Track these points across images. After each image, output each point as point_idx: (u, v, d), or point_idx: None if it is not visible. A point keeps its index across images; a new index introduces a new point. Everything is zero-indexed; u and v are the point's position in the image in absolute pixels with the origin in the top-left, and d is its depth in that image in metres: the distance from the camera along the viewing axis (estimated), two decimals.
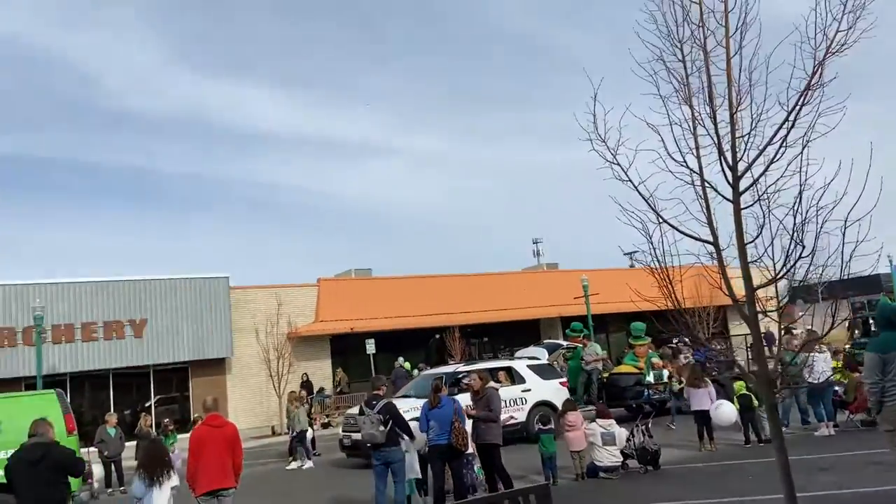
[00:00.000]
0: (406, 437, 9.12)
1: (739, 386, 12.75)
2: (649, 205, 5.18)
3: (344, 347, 27.83)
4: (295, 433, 15.87)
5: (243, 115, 76.04)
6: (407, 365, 23.65)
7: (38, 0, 66.41)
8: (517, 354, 18.68)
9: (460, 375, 14.62)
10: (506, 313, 30.62)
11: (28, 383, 20.83)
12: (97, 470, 14.95)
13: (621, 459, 10.77)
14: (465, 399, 10.94)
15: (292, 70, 79.72)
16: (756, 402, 12.27)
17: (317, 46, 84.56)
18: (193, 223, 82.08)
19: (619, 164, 5.34)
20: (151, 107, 69.47)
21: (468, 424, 9.37)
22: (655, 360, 17.57)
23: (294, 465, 15.50)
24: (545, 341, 20.33)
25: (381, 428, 8.83)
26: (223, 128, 78.69)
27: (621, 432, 10.88)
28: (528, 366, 15.92)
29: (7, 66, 63.26)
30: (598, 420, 10.88)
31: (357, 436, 14.05)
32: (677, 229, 5.22)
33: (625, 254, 36.25)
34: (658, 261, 5.12)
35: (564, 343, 19.08)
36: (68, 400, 13.58)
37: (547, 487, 4.64)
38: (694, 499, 8.71)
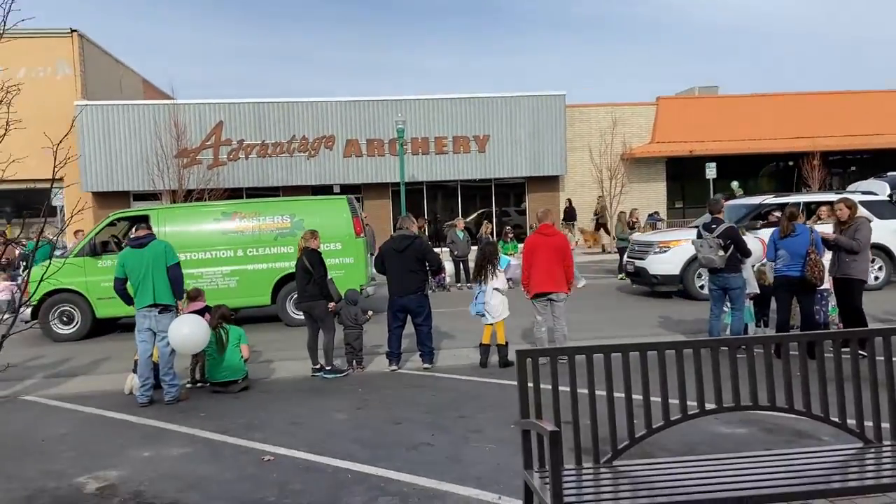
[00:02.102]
0: (746, 261, 8.50)
1: None
2: None
3: (681, 171, 26.57)
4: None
5: None
6: (740, 191, 21.77)
7: None
8: (850, 188, 15.74)
9: (767, 209, 13.06)
10: (882, 139, 25.89)
11: (393, 189, 24.03)
12: (449, 267, 17.01)
13: None
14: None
15: None
16: None
17: None
18: (532, 39, 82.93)
19: None
20: None
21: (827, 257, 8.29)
22: None
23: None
24: (889, 174, 16.61)
25: (721, 252, 8.29)
26: None
27: None
28: (861, 202, 13.33)
29: None
30: None
31: (641, 263, 13.69)
32: None
33: None
34: None
35: None
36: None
37: None
38: None
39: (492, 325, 8.31)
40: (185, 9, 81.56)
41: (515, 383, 3.74)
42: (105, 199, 23.06)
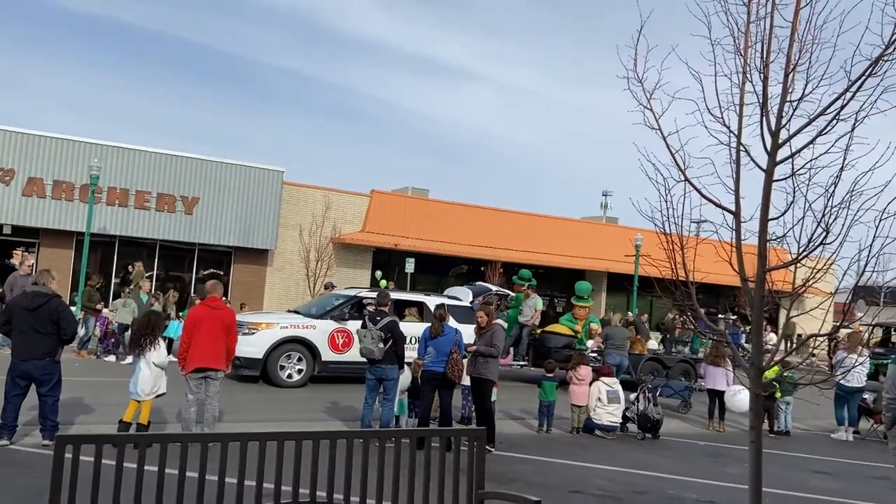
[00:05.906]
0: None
1: (773, 372, 12.22)
2: (675, 159, 4.71)
3: (386, 261, 28.00)
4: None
5: (343, 19, 75.20)
6: (383, 283, 23.49)
7: None
8: (446, 292, 17.85)
9: (365, 300, 13.36)
10: (552, 258, 30.14)
11: (78, 239, 21.64)
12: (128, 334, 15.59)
13: (621, 421, 10.58)
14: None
15: None
16: (779, 394, 11.80)
17: None
18: (264, 112, 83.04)
19: (651, 110, 4.85)
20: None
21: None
22: (594, 325, 16.57)
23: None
24: (476, 283, 19.40)
25: (381, 345, 8.73)
26: (320, 27, 78.17)
27: (624, 394, 10.75)
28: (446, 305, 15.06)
29: None
30: (602, 378, 10.63)
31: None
32: (700, 192, 4.77)
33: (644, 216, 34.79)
34: (672, 223, 4.70)
35: (494, 288, 18.21)
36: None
37: (483, 432, 4.44)
38: (682, 474, 8.44)
39: (139, 402, 7.73)
40: None
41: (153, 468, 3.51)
42: None
